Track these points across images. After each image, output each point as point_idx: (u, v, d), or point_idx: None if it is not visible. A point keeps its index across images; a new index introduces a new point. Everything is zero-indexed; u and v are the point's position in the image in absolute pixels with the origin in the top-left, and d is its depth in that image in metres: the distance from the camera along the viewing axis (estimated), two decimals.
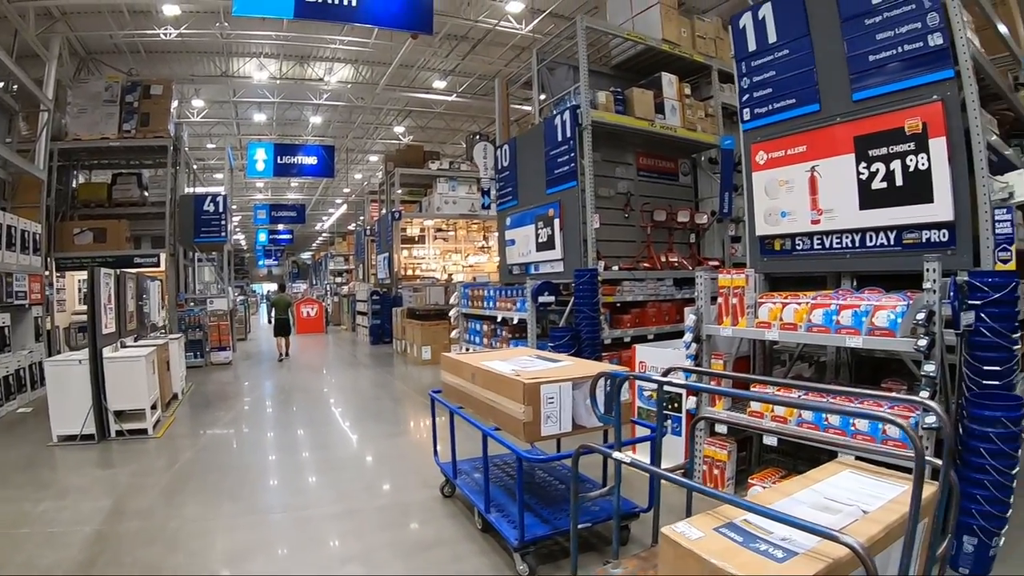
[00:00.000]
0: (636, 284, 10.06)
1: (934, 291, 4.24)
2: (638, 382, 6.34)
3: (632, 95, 10.26)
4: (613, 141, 10.66)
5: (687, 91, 11.14)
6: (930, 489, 2.64)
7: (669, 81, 10.79)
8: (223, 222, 18.63)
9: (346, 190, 41.83)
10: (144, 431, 8.93)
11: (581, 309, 8.93)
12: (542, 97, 11.69)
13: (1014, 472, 4.22)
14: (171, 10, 16.67)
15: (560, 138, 9.85)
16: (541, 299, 9.64)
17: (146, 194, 17.78)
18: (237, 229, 52.14)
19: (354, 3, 12.10)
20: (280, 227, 42.91)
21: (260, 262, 56.46)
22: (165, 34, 17.91)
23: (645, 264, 10.45)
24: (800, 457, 5.81)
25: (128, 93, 16.54)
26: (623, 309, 9.99)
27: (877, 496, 2.73)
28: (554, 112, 10.33)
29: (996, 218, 4.98)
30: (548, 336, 9.30)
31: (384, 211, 24.16)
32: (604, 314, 9.39)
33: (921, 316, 4.15)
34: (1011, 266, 4.91)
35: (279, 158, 26.74)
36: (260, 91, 24.29)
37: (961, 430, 4.33)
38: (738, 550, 2.28)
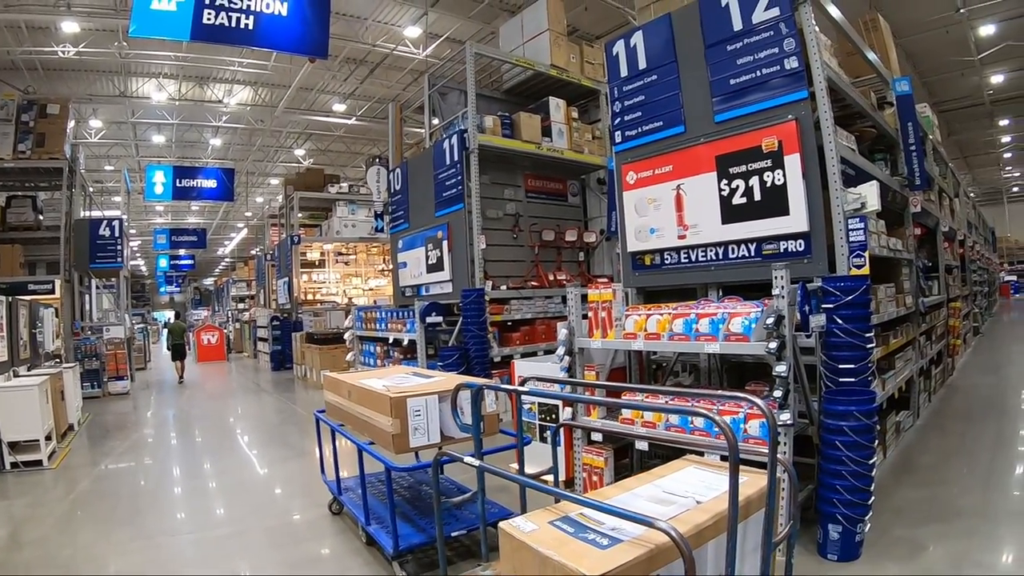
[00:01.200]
0: (524, 302, 10.28)
1: (783, 297, 4.48)
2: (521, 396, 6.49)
3: (519, 119, 10.54)
4: (502, 164, 10.93)
5: (575, 115, 11.49)
6: (764, 480, 2.81)
7: (556, 105, 11.12)
8: (119, 247, 18.09)
9: (247, 214, 40.97)
10: (39, 462, 8.65)
11: (469, 328, 9.07)
12: (434, 121, 11.85)
13: (871, 462, 4.53)
14: (70, 27, 16.17)
15: (448, 162, 10.02)
16: (429, 319, 9.76)
17: (41, 218, 16.87)
18: (137, 255, 50.65)
19: (251, 27, 12.05)
20: (181, 252, 41.58)
21: (162, 288, 54.80)
22: (63, 52, 17.31)
23: (533, 283, 10.69)
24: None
25: (24, 112, 15.69)
26: (513, 327, 10.18)
27: (715, 488, 2.86)
28: (443, 136, 10.50)
29: (850, 227, 5.35)
30: (439, 356, 9.41)
31: (284, 235, 23.90)
32: (493, 332, 9.55)
33: (771, 321, 4.39)
34: (865, 271, 5.25)
35: (178, 181, 25.89)
36: (159, 112, 23.73)
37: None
38: (567, 540, 2.39)
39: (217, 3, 11.68)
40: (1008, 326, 25.06)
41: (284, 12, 12.36)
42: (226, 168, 28.01)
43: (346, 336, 13.49)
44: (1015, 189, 49.01)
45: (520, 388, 4.19)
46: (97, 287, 21.03)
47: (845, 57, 7.82)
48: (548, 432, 6.37)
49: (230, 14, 11.75)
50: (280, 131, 27.45)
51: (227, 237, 51.14)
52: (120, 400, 15.98)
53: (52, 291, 15.65)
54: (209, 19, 11.51)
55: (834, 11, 6.68)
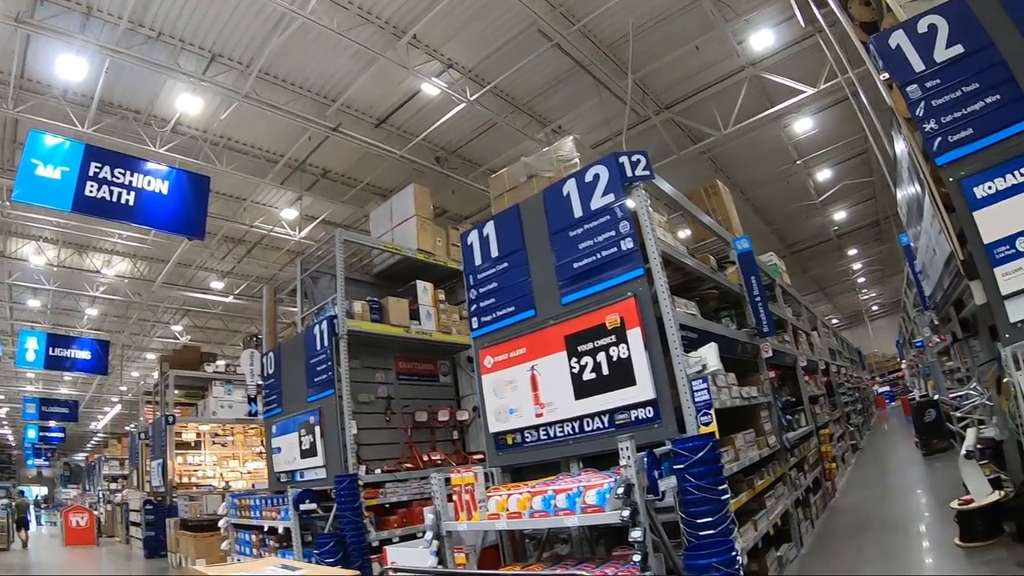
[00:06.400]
0: (400, 485, 10.10)
1: (631, 466, 4.76)
2: None
3: (387, 304, 10.72)
4: (372, 347, 10.98)
5: (442, 296, 11.77)
6: None
7: (424, 288, 11.35)
8: None
9: (122, 388, 39.27)
10: None
11: (344, 514, 8.87)
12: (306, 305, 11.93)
13: None
14: None
15: (319, 347, 10.01)
16: (303, 507, 9.51)
17: None
18: (4, 422, 47.89)
19: (132, 203, 12.21)
20: (51, 424, 39.42)
21: (29, 461, 51.23)
22: None
23: (408, 465, 10.57)
24: None
25: None
26: (390, 510, 9.96)
27: None
28: (315, 321, 10.57)
29: (694, 388, 5.70)
30: (315, 544, 9.18)
31: (159, 414, 23.04)
32: (369, 517, 9.35)
33: (622, 490, 4.66)
34: (712, 428, 5.57)
35: (51, 349, 24.89)
36: (36, 276, 22.85)
37: None
38: None
39: (100, 176, 11.91)
40: (886, 435, 26.31)
41: (165, 191, 12.73)
42: (101, 340, 27.23)
43: (220, 524, 12.94)
44: (874, 308, 53.69)
45: None
46: None
47: (692, 222, 8.46)
48: None
49: (112, 188, 12.04)
50: (157, 305, 27.12)
51: (100, 411, 48.68)
52: None
53: None
54: (91, 192, 11.80)
55: (667, 187, 7.34)
